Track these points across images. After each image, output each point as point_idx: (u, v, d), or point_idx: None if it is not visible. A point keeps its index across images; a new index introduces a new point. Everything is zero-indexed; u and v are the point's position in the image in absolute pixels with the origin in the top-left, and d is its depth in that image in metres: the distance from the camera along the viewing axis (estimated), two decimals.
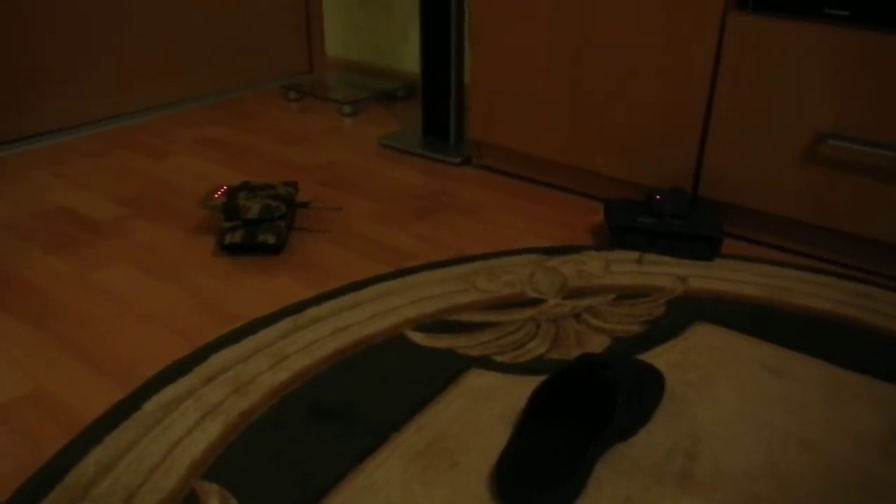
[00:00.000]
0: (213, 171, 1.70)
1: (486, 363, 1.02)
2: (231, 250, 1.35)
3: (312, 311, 1.14)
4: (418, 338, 1.08)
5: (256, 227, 1.33)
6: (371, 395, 0.96)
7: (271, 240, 1.31)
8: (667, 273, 1.27)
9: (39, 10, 1.80)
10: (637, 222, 1.34)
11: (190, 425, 0.89)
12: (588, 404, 0.90)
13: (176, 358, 1.03)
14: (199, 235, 1.39)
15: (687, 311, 1.16)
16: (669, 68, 1.36)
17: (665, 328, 1.11)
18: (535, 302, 1.17)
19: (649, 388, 0.93)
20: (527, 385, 0.98)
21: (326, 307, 1.15)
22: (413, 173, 1.70)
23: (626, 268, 1.28)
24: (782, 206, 1.32)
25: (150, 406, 0.93)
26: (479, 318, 1.13)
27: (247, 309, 1.16)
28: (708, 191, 1.39)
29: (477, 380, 0.99)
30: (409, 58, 2.29)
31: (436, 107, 1.85)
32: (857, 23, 1.18)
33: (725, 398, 0.96)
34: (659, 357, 1.05)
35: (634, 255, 1.33)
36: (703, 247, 1.32)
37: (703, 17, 1.29)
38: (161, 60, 2.08)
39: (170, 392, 0.95)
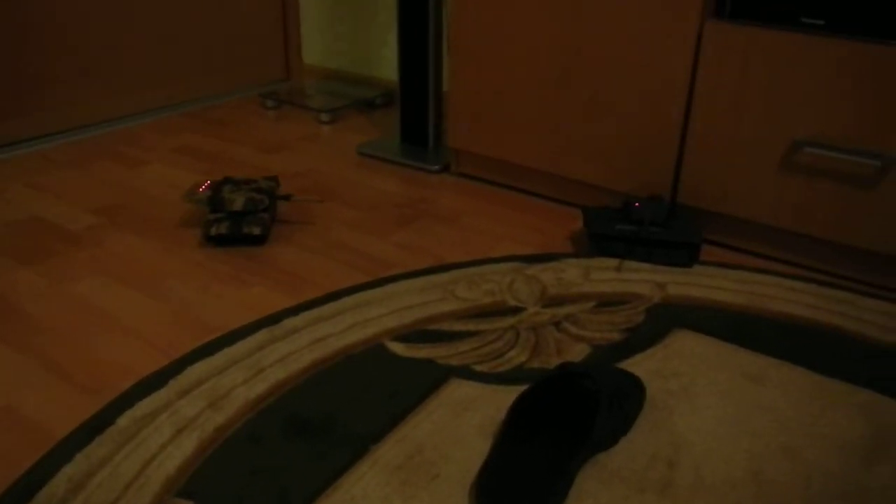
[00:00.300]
0: (190, 179, 1.68)
1: (465, 373, 1.01)
2: (217, 241, 1.38)
3: (290, 322, 1.12)
4: (398, 348, 1.07)
5: (241, 218, 1.36)
6: (349, 407, 0.94)
7: (256, 230, 1.35)
8: (645, 280, 1.27)
9: (14, 22, 1.77)
10: (616, 229, 1.34)
11: (164, 440, 0.87)
12: (569, 414, 0.90)
13: (151, 371, 1.01)
14: (175, 245, 1.37)
15: (666, 319, 1.15)
16: (648, 76, 1.36)
17: (645, 336, 1.11)
18: (515, 310, 1.17)
19: (630, 396, 0.93)
20: (507, 395, 0.97)
21: (304, 317, 1.13)
22: (392, 181, 1.69)
23: (605, 275, 1.28)
24: (761, 213, 1.33)
25: (123, 421, 0.91)
26: (458, 327, 1.12)
27: (224, 319, 1.14)
28: (686, 198, 1.39)
29: (457, 390, 0.98)
30: (387, 65, 2.28)
31: (414, 114, 1.85)
32: (832, 32, 1.19)
33: (706, 406, 0.96)
34: (639, 365, 1.04)
35: (613, 262, 1.33)
36: (682, 253, 1.32)
37: (680, 25, 1.30)
38: (138, 69, 2.06)
39: (144, 406, 0.93)
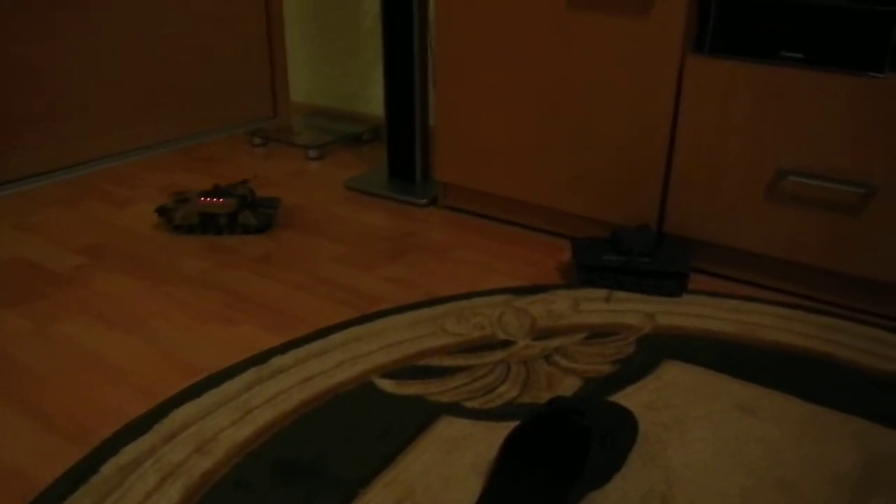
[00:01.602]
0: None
1: (456, 410, 1.00)
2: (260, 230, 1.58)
3: (277, 361, 1.11)
4: (387, 385, 1.06)
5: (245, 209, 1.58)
6: (339, 448, 0.93)
7: (253, 220, 1.57)
8: (635, 310, 1.26)
9: (4, 58, 1.78)
10: (604, 260, 1.34)
11: (149, 489, 0.86)
12: (561, 451, 0.88)
13: (137, 414, 1.00)
14: (161, 284, 1.36)
15: (657, 350, 1.15)
16: (632, 109, 1.37)
17: (636, 367, 1.10)
18: (505, 344, 1.16)
19: (622, 431, 0.92)
20: (498, 432, 0.96)
21: (292, 356, 1.12)
22: (380, 215, 1.69)
23: (594, 306, 1.28)
24: (748, 241, 1.33)
25: (107, 469, 0.89)
26: (448, 362, 1.11)
27: (210, 359, 1.13)
28: (674, 227, 1.40)
29: (447, 428, 0.97)
30: (373, 101, 2.29)
31: (401, 149, 1.85)
32: (811, 64, 1.21)
33: (699, 439, 0.95)
34: (630, 398, 1.03)
35: (603, 293, 1.33)
36: (671, 283, 1.32)
37: (662, 59, 1.31)
38: (126, 107, 2.06)
39: (128, 453, 0.91)
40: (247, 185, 1.61)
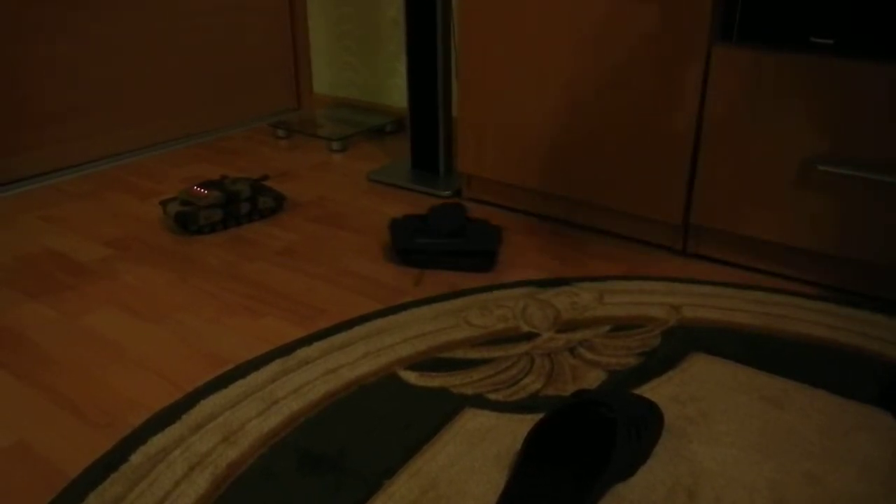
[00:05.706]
0: None
1: (480, 402, 1.00)
2: (263, 215, 1.63)
3: (302, 353, 1.12)
4: (411, 377, 1.06)
5: (258, 197, 1.61)
6: (363, 440, 0.93)
7: (271, 202, 1.63)
8: (660, 303, 1.25)
9: (31, 54, 1.80)
10: (416, 243, 1.38)
11: (178, 478, 0.87)
12: (586, 444, 0.88)
13: (164, 405, 1.01)
14: (186, 276, 1.37)
15: (682, 342, 1.14)
16: (657, 100, 1.36)
17: (661, 360, 1.10)
18: (529, 336, 1.16)
19: (648, 424, 0.91)
20: (523, 424, 0.96)
21: (317, 347, 1.13)
22: (403, 207, 1.69)
23: (619, 298, 1.27)
24: (776, 232, 1.31)
25: (136, 458, 0.90)
26: (472, 354, 1.11)
27: (236, 351, 1.14)
28: (700, 218, 1.38)
29: (472, 420, 0.97)
30: (396, 93, 2.29)
31: (424, 141, 1.85)
32: (842, 51, 1.19)
33: (726, 432, 0.94)
34: (656, 391, 1.03)
35: (627, 284, 1.32)
36: (484, 260, 1.38)
37: (688, 48, 1.30)
38: (149, 102, 2.08)
39: (157, 442, 0.93)
40: (252, 183, 1.63)
